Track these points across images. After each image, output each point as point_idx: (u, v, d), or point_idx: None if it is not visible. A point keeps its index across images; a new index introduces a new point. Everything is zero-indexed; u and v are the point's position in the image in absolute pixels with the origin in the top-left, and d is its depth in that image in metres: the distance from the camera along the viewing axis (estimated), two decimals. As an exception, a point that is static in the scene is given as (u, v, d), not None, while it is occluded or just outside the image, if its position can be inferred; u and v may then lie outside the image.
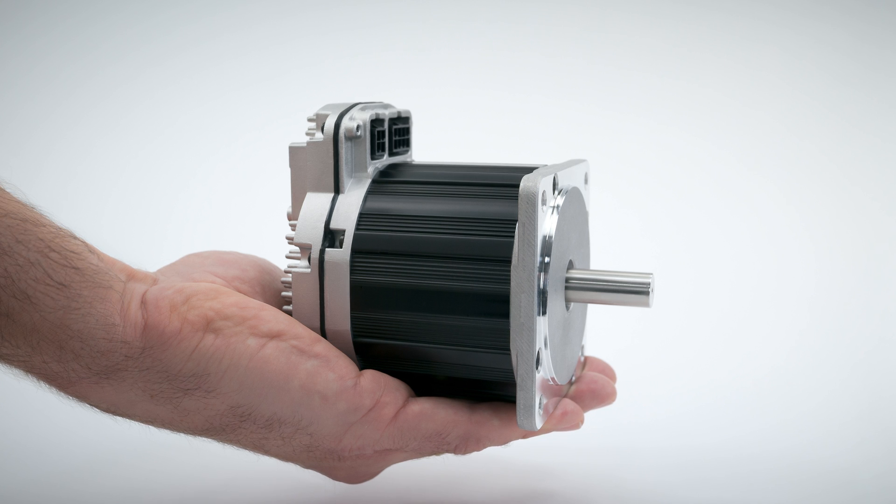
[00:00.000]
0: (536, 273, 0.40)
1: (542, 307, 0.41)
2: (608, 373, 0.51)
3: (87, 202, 1.03)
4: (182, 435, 0.44)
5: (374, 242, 0.43)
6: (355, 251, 0.44)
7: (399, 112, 0.49)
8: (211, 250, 0.48)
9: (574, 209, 0.45)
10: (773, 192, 1.02)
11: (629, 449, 0.60)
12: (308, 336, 0.42)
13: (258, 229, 0.88)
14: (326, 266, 0.44)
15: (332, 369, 0.42)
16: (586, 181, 0.49)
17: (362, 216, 0.44)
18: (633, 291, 0.43)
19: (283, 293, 0.45)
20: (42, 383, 0.40)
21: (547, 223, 0.41)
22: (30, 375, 0.39)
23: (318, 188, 0.45)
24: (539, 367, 0.41)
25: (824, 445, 0.60)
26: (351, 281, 0.43)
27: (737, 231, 0.99)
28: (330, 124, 0.45)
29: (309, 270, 0.44)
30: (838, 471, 0.56)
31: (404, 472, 0.53)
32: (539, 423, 0.42)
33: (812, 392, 0.70)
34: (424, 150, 0.63)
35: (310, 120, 0.46)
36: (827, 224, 0.98)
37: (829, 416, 0.65)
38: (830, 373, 0.74)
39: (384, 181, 0.46)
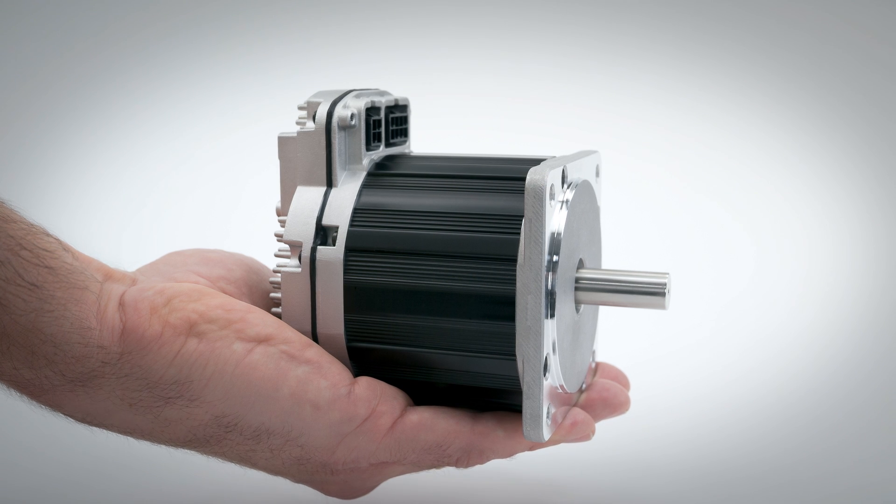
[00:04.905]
0: (544, 273, 0.40)
1: (550, 309, 0.41)
2: (621, 380, 0.51)
3: (61, 197, 1.03)
4: (163, 447, 0.44)
5: (369, 240, 0.43)
6: (349, 249, 0.43)
7: (396, 100, 0.49)
8: (194, 248, 0.48)
9: (584, 204, 0.45)
10: (796, 186, 1.02)
11: (643, 462, 0.59)
12: (298, 340, 0.42)
13: (245, 226, 0.88)
14: (318, 265, 0.44)
15: (325, 376, 0.42)
16: (598, 174, 0.49)
17: (357, 212, 0.44)
18: (649, 292, 0.43)
19: (272, 294, 0.45)
20: (13, 391, 0.40)
21: (555, 219, 0.41)
22: (-1, 383, 0.39)
23: (310, 181, 0.45)
24: (547, 374, 0.41)
25: (851, 460, 0.60)
26: (345, 281, 0.43)
27: (757, 228, 0.99)
28: (322, 113, 0.45)
29: (299, 270, 0.44)
30: (866, 487, 0.56)
31: (402, 487, 0.53)
32: (547, 434, 0.42)
33: (839, 402, 0.69)
34: (424, 140, 0.63)
35: (300, 108, 0.46)
36: (852, 221, 0.98)
37: (856, 428, 0.65)
38: (859, 382, 0.73)
39: (380, 174, 0.46)
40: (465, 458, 0.44)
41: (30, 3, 1.09)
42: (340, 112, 0.45)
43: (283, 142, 0.46)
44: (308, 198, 0.45)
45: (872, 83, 1.04)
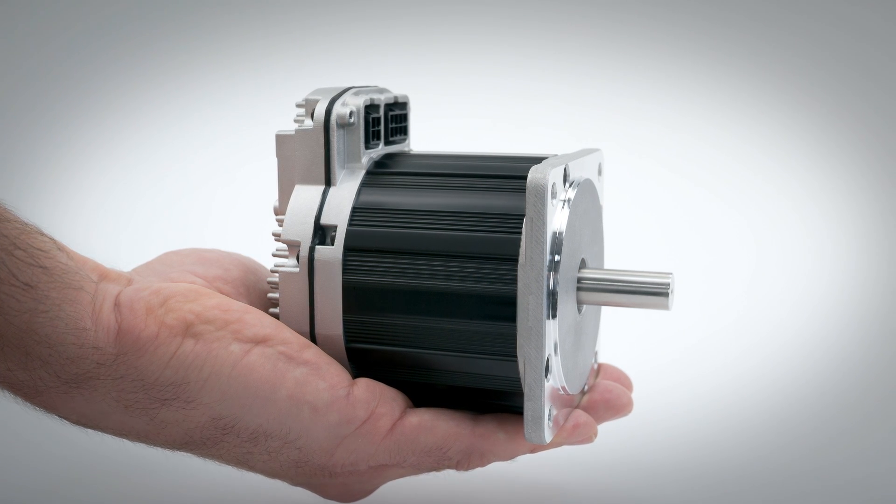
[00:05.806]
0: (545, 273, 0.40)
1: (552, 310, 0.40)
2: (624, 381, 0.50)
3: (57, 196, 1.03)
4: (159, 449, 0.44)
5: (368, 239, 0.43)
6: (348, 249, 0.43)
7: (396, 97, 0.49)
8: (191, 248, 0.48)
9: (587, 203, 0.45)
10: (799, 186, 1.02)
11: (646, 464, 0.59)
12: (296, 341, 0.42)
13: (242, 225, 0.88)
14: (317, 265, 0.44)
15: (323, 378, 0.42)
16: (600, 172, 0.49)
17: (356, 211, 0.44)
18: (652, 293, 0.43)
19: (270, 294, 0.45)
20: (7, 393, 0.40)
21: (557, 218, 0.41)
22: (-7, 384, 0.39)
23: (308, 180, 0.45)
24: (548, 376, 0.41)
25: (855, 460, 0.60)
26: (343, 281, 0.43)
27: (762, 227, 0.99)
28: (320, 110, 0.45)
29: (297, 270, 0.44)
30: (868, 487, 0.56)
31: (401, 490, 0.53)
32: (548, 437, 0.42)
33: (843, 402, 0.69)
34: (424, 139, 0.63)
35: (298, 106, 0.46)
36: (855, 220, 0.98)
37: (859, 427, 0.65)
38: (862, 381, 0.73)
39: (380, 173, 0.46)
40: (465, 460, 0.44)
41: (29, 2, 1.09)
42: (339, 110, 0.45)
43: (281, 140, 0.46)
44: (306, 197, 0.45)
45: (875, 83, 1.04)
